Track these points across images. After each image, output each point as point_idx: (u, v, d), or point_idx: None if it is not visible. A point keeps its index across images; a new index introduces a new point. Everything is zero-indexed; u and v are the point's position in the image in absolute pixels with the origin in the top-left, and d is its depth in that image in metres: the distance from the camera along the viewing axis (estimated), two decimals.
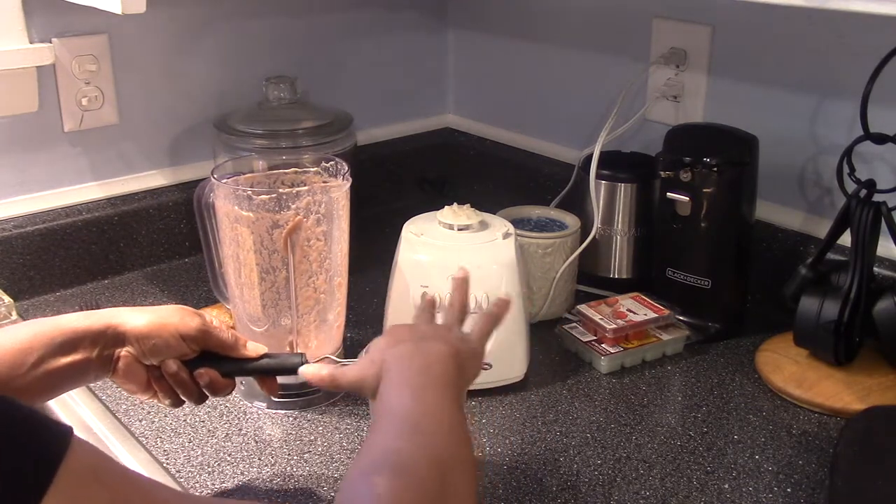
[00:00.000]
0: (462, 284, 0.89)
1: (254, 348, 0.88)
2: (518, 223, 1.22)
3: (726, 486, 0.90)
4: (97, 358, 0.80)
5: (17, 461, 0.42)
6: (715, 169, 1.12)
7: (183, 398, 0.86)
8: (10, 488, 0.41)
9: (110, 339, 0.81)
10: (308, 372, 0.83)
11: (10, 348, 0.75)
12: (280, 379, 0.92)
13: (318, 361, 0.92)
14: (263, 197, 0.95)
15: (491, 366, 0.92)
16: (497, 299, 0.87)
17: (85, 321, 0.80)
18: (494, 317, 0.86)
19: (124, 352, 0.82)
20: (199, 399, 0.87)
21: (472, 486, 0.66)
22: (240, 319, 1.03)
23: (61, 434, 0.45)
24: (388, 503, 0.59)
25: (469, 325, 0.86)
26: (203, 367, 0.85)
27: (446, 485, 0.63)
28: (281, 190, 0.97)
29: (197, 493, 0.88)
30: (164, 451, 0.95)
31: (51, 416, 0.46)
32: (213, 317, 0.88)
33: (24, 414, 0.44)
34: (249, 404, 1.04)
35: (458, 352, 0.78)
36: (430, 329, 0.83)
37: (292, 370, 0.89)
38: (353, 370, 0.79)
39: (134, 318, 0.82)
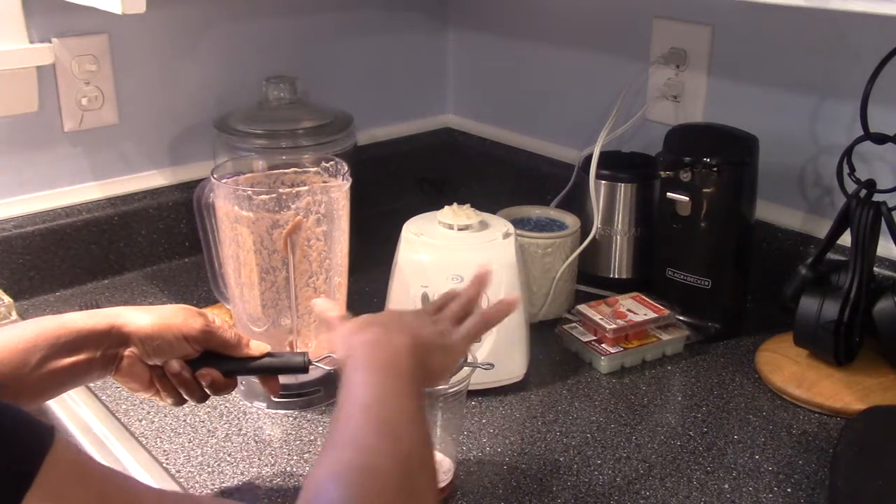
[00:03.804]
0: (479, 281, 0.87)
1: (256, 347, 0.88)
2: (518, 223, 1.22)
3: (726, 486, 0.90)
4: (101, 357, 0.80)
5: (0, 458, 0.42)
6: (715, 169, 1.12)
7: (185, 397, 0.86)
8: None
9: (114, 340, 0.81)
10: (320, 304, 0.86)
11: (13, 347, 0.75)
12: (280, 379, 0.92)
13: (321, 360, 0.92)
14: (263, 197, 0.95)
15: (492, 365, 0.93)
16: (501, 301, 0.86)
17: (89, 321, 0.80)
18: (490, 318, 0.84)
19: (128, 352, 0.82)
20: (202, 398, 0.87)
21: (434, 482, 0.66)
22: (240, 319, 1.03)
23: (44, 432, 0.45)
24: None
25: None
26: (206, 367, 0.85)
27: (411, 483, 0.63)
28: (281, 190, 0.97)
29: (193, 493, 0.89)
30: (164, 451, 0.95)
31: (33, 416, 0.46)
32: (215, 315, 0.88)
33: (5, 412, 0.44)
34: (249, 404, 1.04)
35: (423, 345, 0.76)
36: (400, 319, 0.81)
37: (295, 369, 0.89)
38: (329, 341, 0.81)
39: (138, 318, 0.82)
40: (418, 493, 0.63)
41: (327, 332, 0.82)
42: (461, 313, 0.84)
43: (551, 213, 1.31)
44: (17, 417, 0.44)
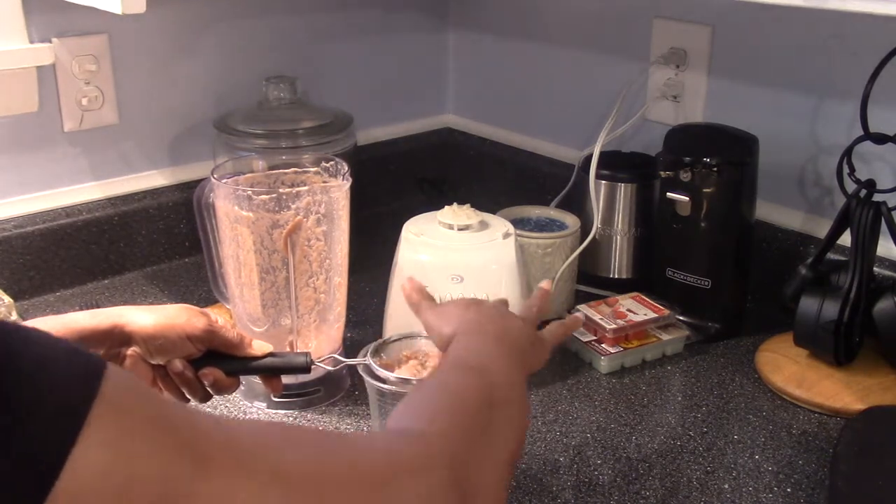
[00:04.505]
0: (544, 296, 0.90)
1: (259, 347, 0.88)
2: (518, 223, 1.22)
3: (726, 486, 0.90)
4: (104, 357, 0.80)
5: (62, 380, 0.43)
6: (715, 169, 1.12)
7: (188, 397, 0.86)
8: (57, 403, 0.42)
9: (117, 339, 0.81)
10: (407, 280, 0.88)
11: None
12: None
13: (323, 360, 0.92)
14: (263, 197, 0.95)
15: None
16: (572, 316, 0.90)
17: (92, 320, 0.80)
18: (567, 328, 0.89)
19: (130, 351, 0.82)
20: (205, 398, 0.87)
21: (518, 444, 0.66)
22: (240, 319, 1.03)
23: (96, 359, 0.46)
24: (435, 417, 0.60)
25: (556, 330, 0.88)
26: (208, 367, 0.85)
27: (492, 426, 0.63)
28: (281, 190, 0.97)
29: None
30: None
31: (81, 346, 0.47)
32: (217, 315, 0.88)
33: (56, 341, 0.45)
34: (249, 404, 1.04)
35: (532, 334, 0.81)
36: (510, 311, 0.85)
37: (297, 369, 0.89)
38: (431, 317, 0.83)
39: (141, 318, 0.82)
40: (501, 439, 0.64)
41: (429, 315, 0.84)
42: (534, 322, 0.87)
43: (551, 213, 1.31)
44: (68, 346, 0.45)
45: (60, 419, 0.41)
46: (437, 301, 0.87)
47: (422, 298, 0.86)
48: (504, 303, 0.92)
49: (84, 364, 0.44)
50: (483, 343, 0.74)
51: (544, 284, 0.92)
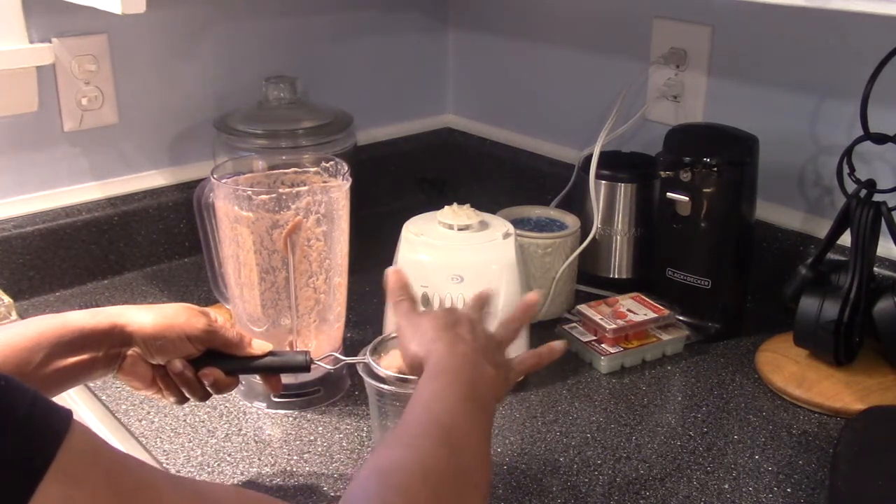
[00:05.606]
0: (528, 310, 0.88)
1: (258, 346, 0.88)
2: (518, 223, 1.22)
3: (726, 486, 0.90)
4: (103, 357, 0.80)
5: (18, 441, 0.42)
6: (715, 169, 1.12)
7: (188, 396, 0.87)
8: (10, 467, 0.41)
9: (117, 339, 0.81)
10: (393, 271, 0.86)
11: (17, 346, 0.75)
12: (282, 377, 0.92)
13: (322, 359, 0.92)
14: (263, 197, 0.95)
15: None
16: (551, 344, 0.86)
17: (92, 320, 0.80)
18: (541, 358, 0.86)
19: (130, 351, 0.82)
20: (204, 397, 0.87)
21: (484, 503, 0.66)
22: (239, 319, 1.03)
23: (61, 416, 0.45)
24: (403, 493, 0.58)
25: (514, 352, 0.85)
26: (208, 367, 0.85)
27: (459, 498, 0.62)
28: (281, 190, 0.97)
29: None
30: (164, 451, 0.95)
31: (50, 400, 0.46)
32: (217, 315, 0.88)
33: (23, 396, 0.44)
34: (249, 404, 1.04)
35: (499, 376, 0.78)
36: (486, 341, 0.81)
37: (297, 368, 0.89)
38: (405, 324, 0.81)
39: (140, 317, 0.82)
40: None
41: (403, 322, 0.82)
42: (510, 340, 0.85)
43: (551, 213, 1.31)
44: (35, 402, 0.45)
45: (8, 488, 0.41)
46: (418, 307, 0.85)
47: (403, 298, 0.85)
48: (483, 301, 0.88)
49: (43, 428, 0.44)
50: (454, 398, 0.70)
51: (531, 295, 0.89)
